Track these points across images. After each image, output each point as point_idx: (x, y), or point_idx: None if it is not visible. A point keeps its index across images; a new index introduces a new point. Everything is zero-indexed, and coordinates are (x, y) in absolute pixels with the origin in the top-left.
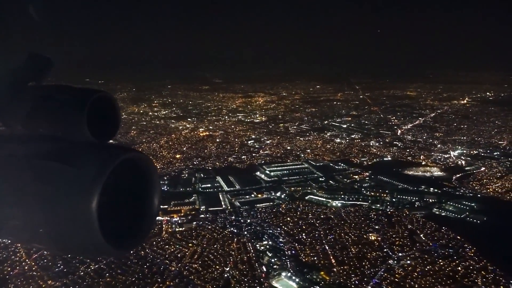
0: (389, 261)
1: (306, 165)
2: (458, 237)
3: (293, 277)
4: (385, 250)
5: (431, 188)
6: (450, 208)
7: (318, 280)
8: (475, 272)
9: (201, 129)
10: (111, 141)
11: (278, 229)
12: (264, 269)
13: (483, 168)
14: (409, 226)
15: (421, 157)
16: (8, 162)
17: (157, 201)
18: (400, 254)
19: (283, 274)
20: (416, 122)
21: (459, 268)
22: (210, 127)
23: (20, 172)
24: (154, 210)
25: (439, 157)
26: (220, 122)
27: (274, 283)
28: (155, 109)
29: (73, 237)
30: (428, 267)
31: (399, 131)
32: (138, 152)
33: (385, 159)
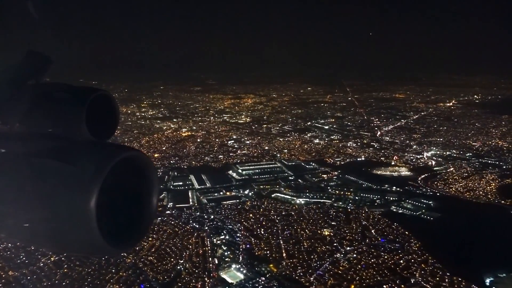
0: (336, 255)
1: (279, 165)
2: (407, 233)
3: (242, 269)
4: (335, 244)
5: (394, 187)
6: (408, 206)
7: (266, 272)
8: (415, 265)
9: (184, 129)
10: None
11: (239, 224)
12: (216, 262)
13: (451, 169)
14: (364, 223)
15: (394, 158)
16: (6, 160)
17: (156, 200)
18: (348, 248)
19: (233, 266)
20: (398, 124)
21: (401, 261)
22: (194, 128)
23: (18, 170)
24: (152, 209)
25: (412, 157)
26: (205, 123)
27: (223, 275)
28: (143, 109)
29: (71, 235)
30: (372, 260)
31: (379, 133)
32: (137, 151)
33: (358, 159)
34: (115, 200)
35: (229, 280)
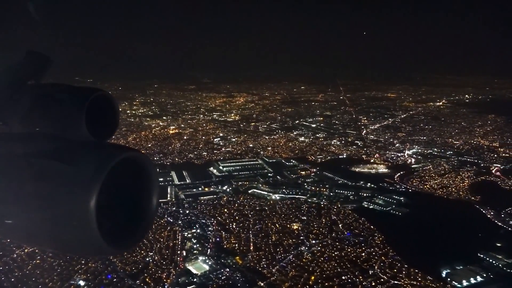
0: (301, 248)
1: (260, 162)
2: (372, 227)
3: (208, 261)
4: (302, 238)
5: (369, 184)
6: (380, 202)
7: (231, 263)
8: (376, 257)
9: (172, 127)
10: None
11: (212, 219)
12: (184, 254)
13: (429, 166)
14: (333, 217)
15: (375, 156)
16: (6, 160)
17: (156, 200)
18: (313, 241)
19: (200, 258)
20: (385, 123)
21: (363, 254)
22: (182, 125)
23: (18, 170)
24: (152, 209)
25: (392, 155)
26: (194, 121)
27: (189, 266)
28: (134, 107)
29: (71, 236)
30: (335, 253)
31: (364, 131)
32: (136, 151)
33: (340, 157)
34: (115, 200)
35: (194, 271)
